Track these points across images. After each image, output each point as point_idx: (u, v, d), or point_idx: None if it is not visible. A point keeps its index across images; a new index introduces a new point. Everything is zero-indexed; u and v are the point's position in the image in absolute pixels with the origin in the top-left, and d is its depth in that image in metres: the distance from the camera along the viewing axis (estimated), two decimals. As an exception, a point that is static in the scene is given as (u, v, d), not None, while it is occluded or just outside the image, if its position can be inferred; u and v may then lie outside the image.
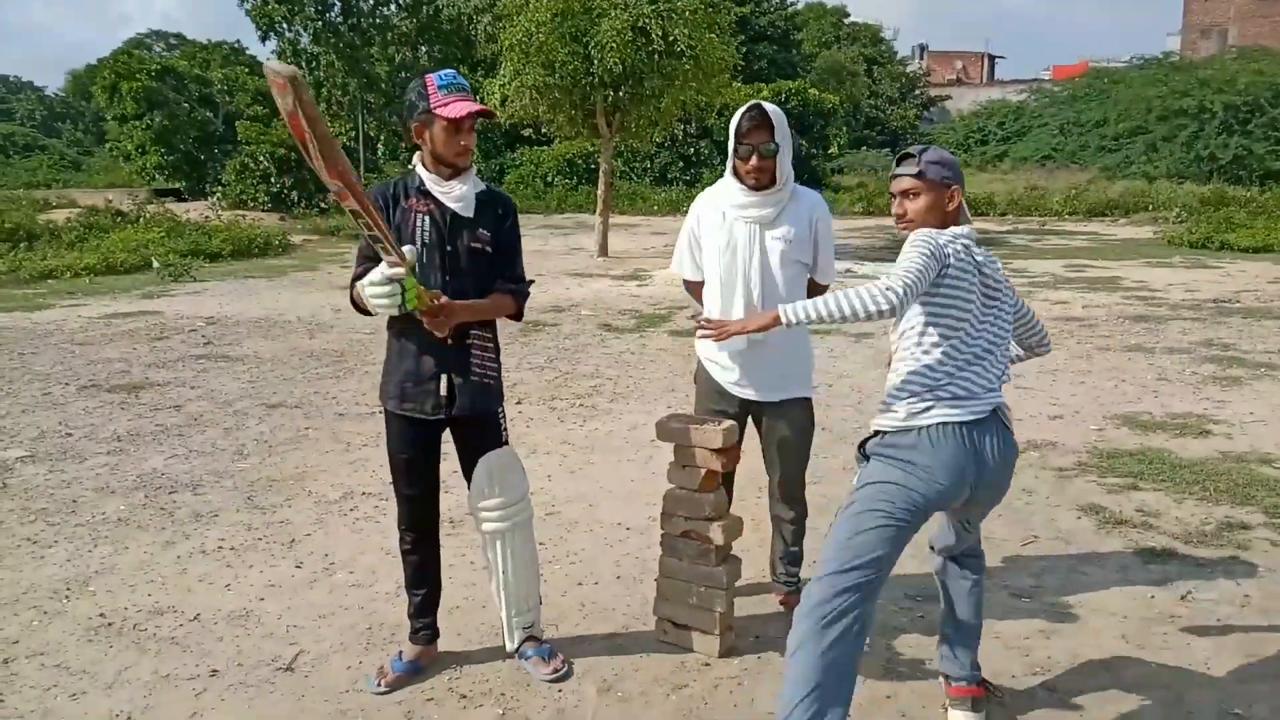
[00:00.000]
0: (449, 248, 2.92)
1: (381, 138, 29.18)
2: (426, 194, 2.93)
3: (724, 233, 3.23)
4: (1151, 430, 5.76)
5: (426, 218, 2.91)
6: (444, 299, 2.81)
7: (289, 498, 4.76)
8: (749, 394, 3.31)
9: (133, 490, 4.87)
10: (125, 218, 17.48)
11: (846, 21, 45.10)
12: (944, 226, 2.62)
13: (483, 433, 3.07)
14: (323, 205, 21.63)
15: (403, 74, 27.93)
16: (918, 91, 43.15)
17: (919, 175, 2.61)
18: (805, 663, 2.43)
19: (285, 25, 26.74)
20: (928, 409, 2.58)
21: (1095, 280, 12.20)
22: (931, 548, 3.02)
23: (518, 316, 3.09)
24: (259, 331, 9.02)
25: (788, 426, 3.34)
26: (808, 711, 2.39)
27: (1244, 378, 7.03)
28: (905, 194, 2.64)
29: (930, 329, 2.59)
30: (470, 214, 2.94)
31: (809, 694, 2.40)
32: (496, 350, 3.09)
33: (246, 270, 13.66)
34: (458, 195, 2.92)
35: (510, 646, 3.20)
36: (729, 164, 3.21)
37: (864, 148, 34.51)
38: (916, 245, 2.49)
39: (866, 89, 38.55)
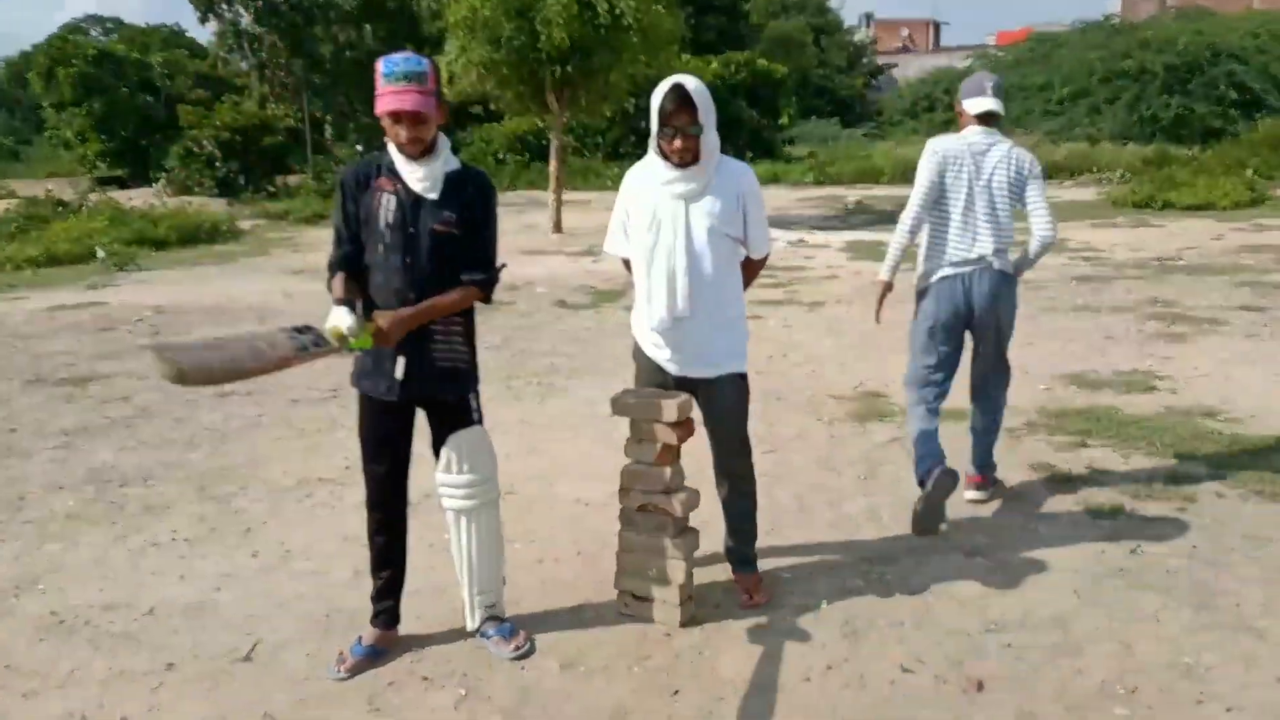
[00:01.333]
0: (410, 230, 2.88)
1: (328, 119, 28.71)
2: (394, 173, 2.89)
3: (649, 209, 3.19)
4: (1099, 388, 5.87)
5: (392, 198, 2.88)
6: (381, 322, 2.78)
7: (243, 486, 4.71)
8: (684, 370, 3.30)
9: (82, 485, 4.78)
10: (67, 207, 17.07)
11: (793, -9, 45.05)
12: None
13: (453, 417, 3.06)
14: (270, 189, 21.28)
15: (347, 53, 27.48)
16: (865, 60, 43.27)
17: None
18: (910, 432, 4.06)
19: (225, 6, 26.19)
20: (931, 271, 4.05)
21: (1043, 243, 12.36)
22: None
23: (486, 300, 3.04)
24: (209, 319, 8.87)
25: (721, 402, 3.32)
26: (919, 465, 3.85)
27: (1188, 334, 7.17)
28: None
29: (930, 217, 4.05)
30: (435, 195, 2.89)
31: (916, 453, 3.92)
32: (465, 335, 3.04)
33: (194, 257, 13.41)
34: (422, 176, 2.87)
35: (471, 626, 3.20)
36: (652, 142, 3.15)
37: (814, 117, 34.53)
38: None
39: (815, 59, 38.57)
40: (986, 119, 3.98)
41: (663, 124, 3.07)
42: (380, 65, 2.77)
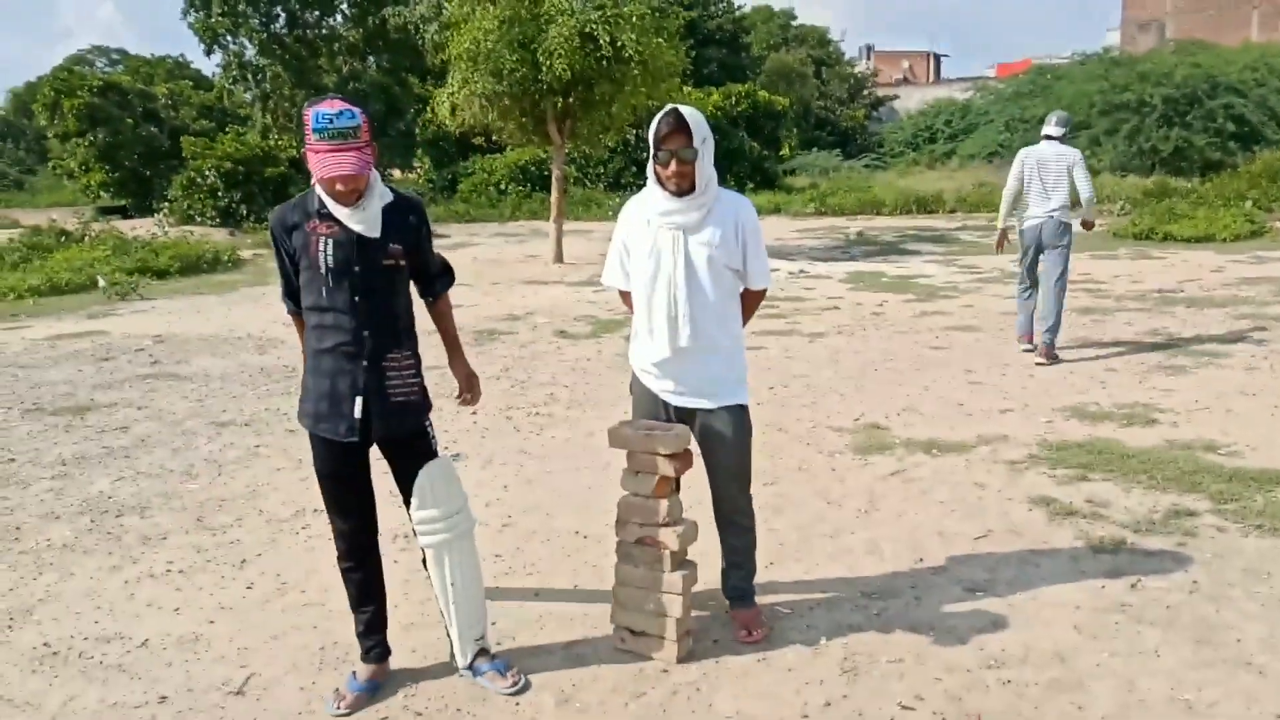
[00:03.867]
0: (356, 268, 2.81)
1: (331, 149, 28.87)
2: (328, 216, 2.80)
3: (648, 240, 3.20)
4: (1100, 421, 5.85)
5: (330, 241, 2.80)
6: (468, 393, 3.21)
7: (239, 517, 4.69)
8: (683, 402, 3.29)
9: (78, 515, 4.76)
10: (70, 237, 17.15)
11: (794, 24, 45.50)
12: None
13: (413, 450, 3.02)
14: (272, 219, 21.36)
15: (351, 85, 27.70)
16: (866, 92, 43.58)
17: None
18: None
19: (230, 38, 26.42)
20: (1023, 219, 7.50)
21: (1043, 274, 12.38)
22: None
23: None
24: (208, 349, 8.88)
25: (721, 433, 3.30)
26: (1019, 328, 7.84)
27: (1188, 366, 7.16)
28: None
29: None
30: (377, 233, 2.82)
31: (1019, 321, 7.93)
32: (417, 364, 3.01)
33: (195, 287, 13.45)
34: (361, 218, 2.79)
35: (462, 663, 3.16)
36: (650, 170, 3.18)
37: (815, 149, 34.73)
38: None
39: (816, 90, 38.88)
40: (1050, 136, 7.42)
41: (658, 148, 3.09)
42: (309, 118, 2.67)
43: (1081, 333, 8.54)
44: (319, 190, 2.82)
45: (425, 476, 3.01)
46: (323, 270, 2.80)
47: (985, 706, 2.94)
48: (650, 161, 3.15)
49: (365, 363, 2.86)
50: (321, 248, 2.80)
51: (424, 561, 3.15)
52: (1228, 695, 2.96)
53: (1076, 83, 29.40)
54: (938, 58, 68.14)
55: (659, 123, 3.07)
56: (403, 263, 2.90)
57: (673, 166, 3.08)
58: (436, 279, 3.12)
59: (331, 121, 2.65)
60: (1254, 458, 5.07)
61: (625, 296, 3.45)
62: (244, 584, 3.94)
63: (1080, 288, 11.12)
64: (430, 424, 3.10)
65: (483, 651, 3.17)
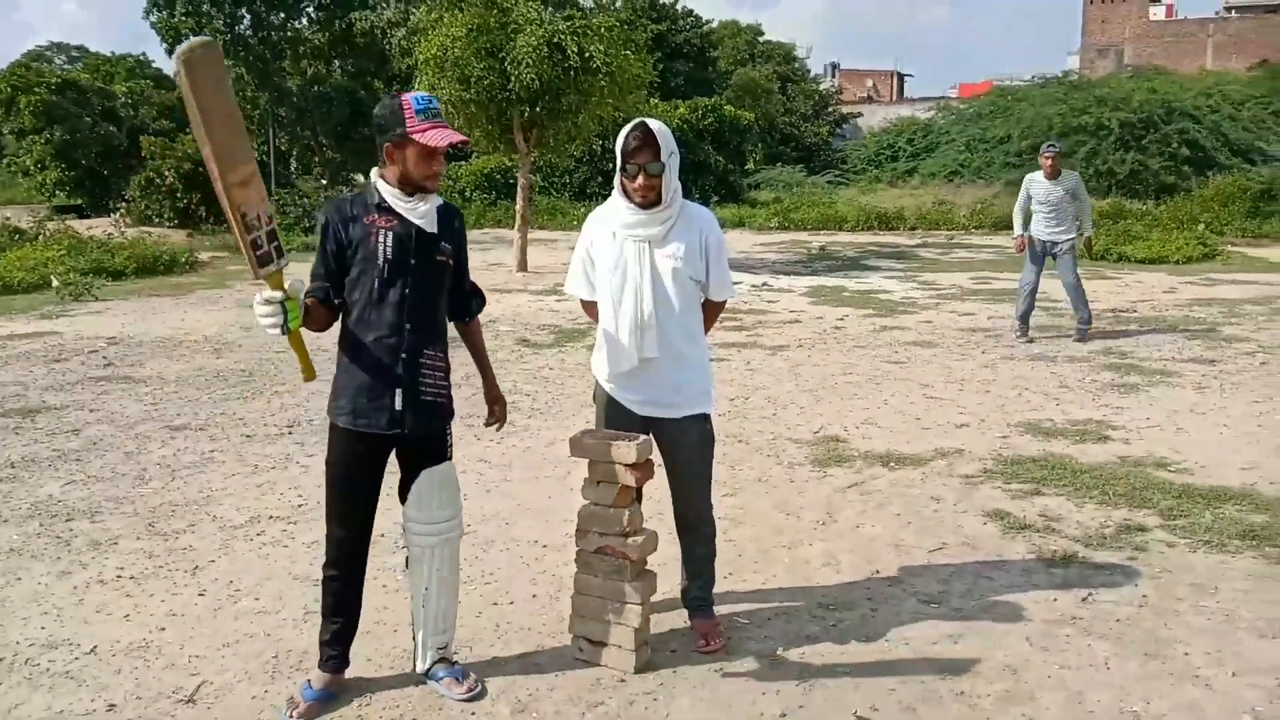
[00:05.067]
0: (413, 262, 2.94)
1: (294, 153, 28.65)
2: (389, 210, 2.94)
3: (614, 252, 3.22)
4: (1053, 437, 5.95)
5: (390, 234, 2.93)
6: (498, 409, 3.37)
7: (192, 523, 4.62)
8: (649, 411, 3.31)
9: (26, 519, 4.66)
10: (23, 235, 16.79)
11: (761, 40, 45.84)
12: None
13: (430, 452, 3.07)
14: (232, 221, 21.10)
15: (315, 88, 27.52)
16: (830, 109, 43.97)
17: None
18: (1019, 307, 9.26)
19: (192, 37, 26.12)
20: (1030, 232, 9.17)
21: (1000, 292, 12.56)
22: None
23: None
24: (163, 351, 8.75)
25: (686, 443, 3.34)
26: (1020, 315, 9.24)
27: (1140, 384, 7.30)
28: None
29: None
30: (434, 229, 2.98)
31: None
32: (447, 369, 3.09)
33: (151, 288, 13.25)
34: (423, 212, 2.95)
35: (421, 667, 3.15)
36: (616, 182, 3.20)
37: (779, 164, 34.97)
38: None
39: (781, 106, 39.15)
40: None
41: (625, 161, 3.11)
42: (410, 102, 2.88)
43: (1037, 349, 8.68)
44: (381, 186, 2.95)
45: (430, 478, 3.05)
46: (380, 262, 2.91)
47: (938, 717, 2.98)
48: (617, 173, 3.17)
49: (404, 356, 2.94)
50: (381, 239, 2.92)
51: (406, 561, 3.16)
52: (1174, 708, 3.01)
53: (1036, 105, 29.87)
54: (901, 77, 69.08)
55: (627, 136, 3.10)
56: (452, 262, 3.04)
57: (640, 180, 3.11)
58: (472, 298, 3.22)
59: (430, 103, 2.90)
60: (1203, 475, 5.18)
61: (589, 306, 3.46)
62: (196, 590, 3.89)
63: (1037, 306, 11.29)
64: (451, 431, 3.14)
65: (443, 659, 3.16)
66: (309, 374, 2.94)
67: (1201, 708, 3.01)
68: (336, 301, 2.98)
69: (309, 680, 3.08)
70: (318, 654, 3.12)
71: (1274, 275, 13.91)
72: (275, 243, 2.77)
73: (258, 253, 2.70)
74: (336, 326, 3.04)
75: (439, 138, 2.86)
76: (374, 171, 3.01)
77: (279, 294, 2.71)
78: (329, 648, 3.10)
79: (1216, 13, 59.82)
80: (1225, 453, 5.57)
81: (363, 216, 2.94)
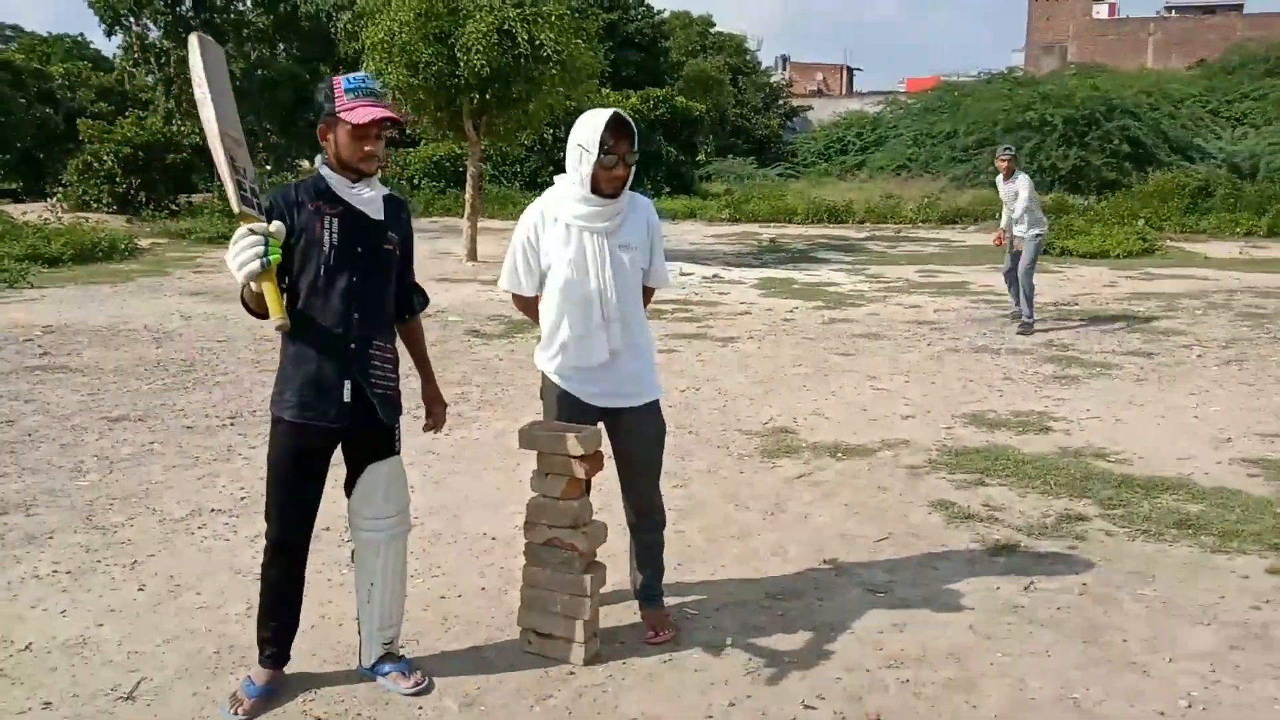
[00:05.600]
0: (360, 250, 2.88)
1: (238, 138, 28.06)
2: (334, 197, 2.87)
3: (572, 245, 3.18)
4: (997, 428, 6.04)
5: (335, 220, 2.86)
6: (437, 410, 3.32)
7: (131, 517, 4.51)
8: (612, 403, 3.30)
9: (-44, 513, 4.52)
10: (-46, 220, 16.29)
11: (712, 31, 45.87)
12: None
13: (379, 445, 3.02)
14: (173, 208, 20.66)
15: (259, 72, 26.98)
16: (781, 102, 44.21)
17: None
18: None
19: (132, 18, 25.46)
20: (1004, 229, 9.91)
21: (946, 285, 12.74)
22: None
23: None
24: (101, 340, 8.54)
25: (645, 430, 3.35)
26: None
27: (1081, 376, 7.45)
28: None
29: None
30: (380, 216, 2.93)
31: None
32: (395, 361, 3.03)
33: (89, 276, 12.92)
34: (368, 199, 2.90)
35: (367, 662, 3.11)
36: (584, 172, 3.11)
37: (730, 156, 35.09)
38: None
39: (732, 98, 39.26)
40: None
41: (605, 151, 3.07)
42: (340, 82, 2.82)
43: (981, 342, 8.81)
44: (325, 172, 2.88)
45: (377, 472, 3.01)
46: (326, 249, 2.84)
47: (884, 705, 3.01)
48: (586, 163, 3.08)
49: (353, 346, 2.88)
50: (327, 226, 2.85)
51: (351, 555, 3.12)
52: (1113, 694, 3.08)
53: (982, 100, 30.33)
54: (851, 71, 69.66)
55: (605, 128, 3.05)
56: (399, 252, 2.98)
57: (619, 170, 3.10)
58: (414, 294, 3.15)
59: (364, 82, 2.84)
60: (1141, 466, 5.30)
61: (526, 302, 3.40)
62: (135, 585, 3.80)
63: (981, 299, 11.49)
64: (399, 425, 3.09)
65: (389, 653, 3.12)
66: (284, 320, 2.74)
67: (1140, 693, 3.08)
68: (282, 288, 2.90)
69: (250, 677, 3.03)
70: (258, 650, 3.07)
71: (1210, 270, 14.28)
72: (258, 199, 2.75)
73: (240, 190, 2.70)
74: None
75: (364, 114, 2.77)
76: (319, 158, 2.94)
77: (260, 226, 2.67)
78: (270, 644, 3.05)
79: (1158, 12, 61.16)
80: (1162, 444, 5.71)
81: (308, 203, 2.87)
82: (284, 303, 2.76)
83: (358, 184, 2.88)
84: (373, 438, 3.01)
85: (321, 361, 2.87)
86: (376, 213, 2.91)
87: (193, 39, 2.78)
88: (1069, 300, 11.42)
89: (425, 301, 3.22)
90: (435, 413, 3.31)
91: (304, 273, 2.87)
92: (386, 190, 2.99)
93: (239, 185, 2.71)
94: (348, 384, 2.88)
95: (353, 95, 2.80)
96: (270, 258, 2.65)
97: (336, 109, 2.79)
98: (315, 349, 2.87)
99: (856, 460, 5.42)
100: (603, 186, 3.13)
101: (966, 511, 4.62)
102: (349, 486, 3.05)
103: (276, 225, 2.71)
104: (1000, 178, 9.69)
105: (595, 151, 3.06)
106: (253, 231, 2.65)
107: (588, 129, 3.07)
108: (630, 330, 3.25)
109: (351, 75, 2.85)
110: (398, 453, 3.09)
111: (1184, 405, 6.59)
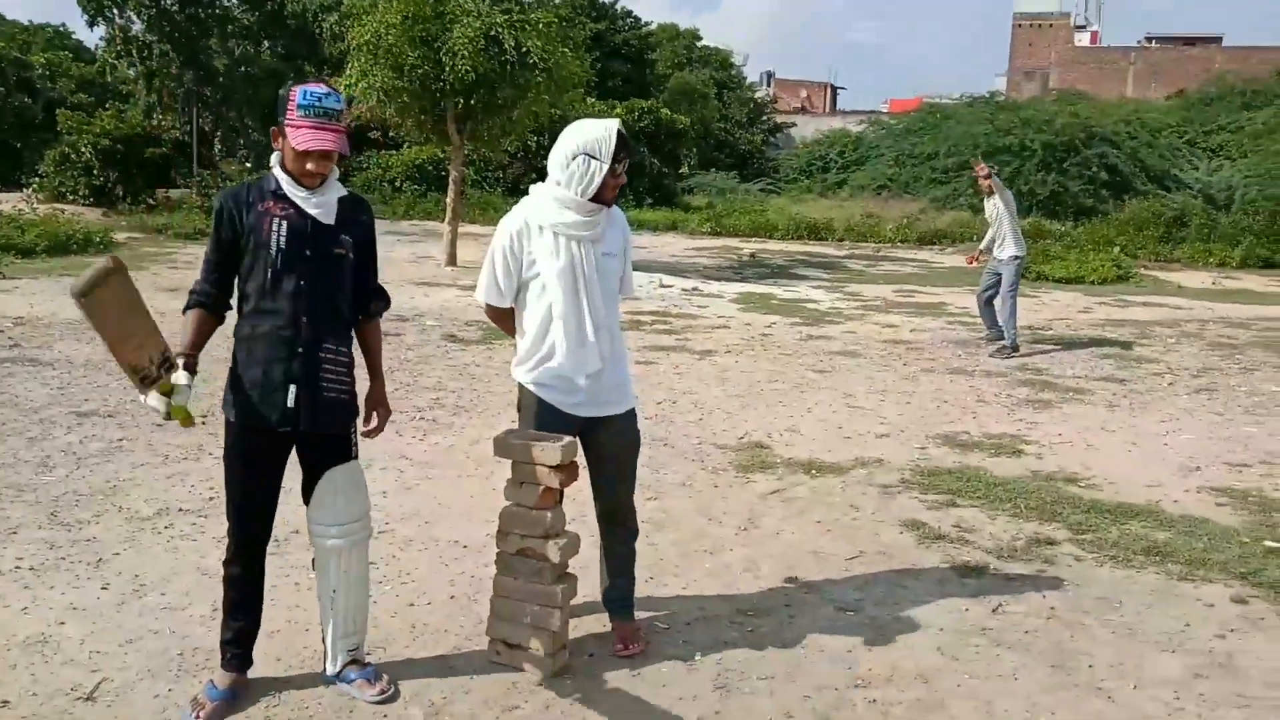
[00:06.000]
0: (308, 253, 2.83)
1: (218, 134, 27.90)
2: (284, 198, 2.83)
3: (562, 255, 3.15)
4: (970, 449, 6.08)
5: (284, 223, 2.82)
6: (379, 412, 3.13)
7: (98, 514, 4.45)
8: (598, 412, 3.29)
9: (-83, 505, 4.45)
10: (-75, 207, 16.08)
11: (699, 45, 46.06)
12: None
13: (333, 450, 2.98)
14: (151, 202, 20.47)
15: (242, 68, 26.83)
16: (765, 117, 44.39)
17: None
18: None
19: (115, 10, 25.24)
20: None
21: (923, 305, 12.82)
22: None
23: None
24: (72, 333, 8.43)
25: (626, 437, 3.38)
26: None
27: (1054, 400, 7.51)
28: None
29: None
30: (331, 220, 2.88)
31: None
32: (350, 365, 2.98)
33: (63, 268, 12.75)
34: (318, 203, 2.85)
35: (332, 669, 3.08)
36: (592, 180, 3.08)
37: (713, 169, 35.18)
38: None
39: (717, 112, 39.39)
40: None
41: (615, 160, 3.09)
42: (295, 95, 2.74)
43: (956, 363, 8.87)
44: (277, 173, 2.84)
45: (333, 479, 2.97)
46: (273, 251, 2.80)
47: (851, 725, 3.01)
48: (596, 171, 3.07)
49: (301, 349, 2.84)
50: (275, 228, 2.81)
51: (313, 562, 3.08)
52: (1078, 718, 3.09)
53: (964, 123, 30.53)
54: (835, 89, 70.18)
55: (615, 139, 3.08)
56: (351, 255, 2.92)
57: (621, 179, 3.15)
58: (373, 296, 3.08)
59: (320, 100, 2.75)
60: (1111, 491, 5.34)
61: (501, 314, 3.34)
62: (99, 584, 3.75)
63: (957, 320, 11.57)
64: (355, 429, 3.06)
65: (354, 660, 3.09)
66: (187, 423, 2.78)
67: (1104, 718, 3.09)
68: (231, 300, 2.91)
69: (213, 680, 2.99)
70: (220, 653, 3.03)
71: (1183, 299, 14.45)
72: (166, 364, 2.70)
73: (143, 380, 2.67)
74: (233, 317, 2.95)
75: (304, 140, 2.72)
76: (274, 157, 2.90)
77: (165, 400, 2.67)
78: (232, 646, 3.02)
79: (1138, 42, 61.96)
80: (1133, 470, 5.75)
81: (258, 203, 2.83)
82: (190, 415, 2.75)
83: (308, 189, 2.84)
84: (325, 443, 2.97)
85: (268, 365, 2.84)
86: (327, 217, 2.86)
87: (78, 301, 2.60)
88: (1044, 325, 11.52)
89: (385, 305, 3.15)
90: (379, 414, 3.18)
91: (253, 275, 2.85)
92: (345, 191, 2.95)
93: (143, 380, 2.67)
94: (293, 389, 2.84)
95: (303, 113, 2.74)
96: (172, 413, 2.68)
97: (285, 122, 2.76)
98: (263, 351, 2.85)
99: (830, 478, 5.43)
100: (606, 195, 3.14)
101: (937, 532, 4.64)
102: (306, 493, 3.01)
103: (179, 393, 2.69)
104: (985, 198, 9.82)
105: (608, 160, 3.07)
106: (157, 402, 2.67)
107: (597, 138, 3.07)
108: (615, 338, 3.29)
109: (310, 89, 2.76)
110: (355, 458, 3.05)
111: (1155, 432, 6.66)
